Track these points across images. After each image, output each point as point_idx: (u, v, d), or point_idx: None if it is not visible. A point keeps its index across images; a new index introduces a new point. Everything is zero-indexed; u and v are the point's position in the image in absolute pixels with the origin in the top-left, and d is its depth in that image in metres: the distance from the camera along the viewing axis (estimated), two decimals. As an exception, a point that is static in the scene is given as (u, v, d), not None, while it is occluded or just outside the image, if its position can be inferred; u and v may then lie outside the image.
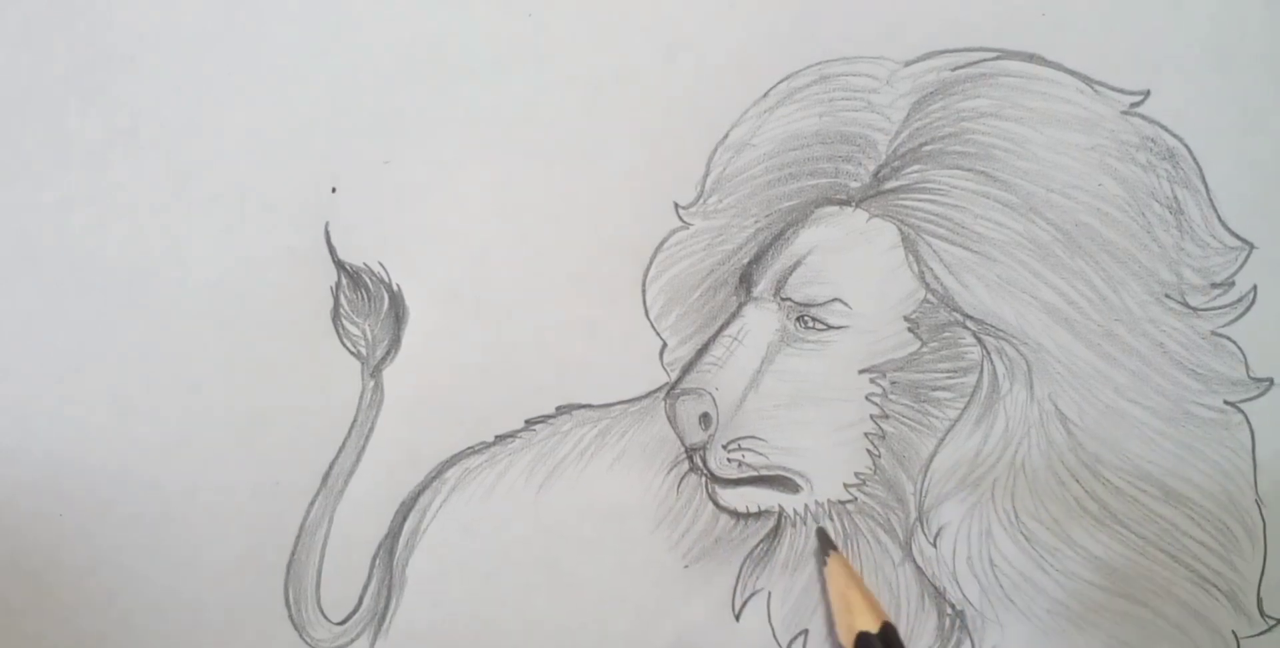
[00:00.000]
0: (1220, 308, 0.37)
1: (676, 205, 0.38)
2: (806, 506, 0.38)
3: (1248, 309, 0.37)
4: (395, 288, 0.39)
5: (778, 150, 0.38)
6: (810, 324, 0.38)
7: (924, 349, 0.37)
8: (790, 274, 0.38)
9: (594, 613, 0.38)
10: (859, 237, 0.38)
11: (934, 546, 0.37)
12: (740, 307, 0.38)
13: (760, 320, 0.38)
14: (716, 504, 0.38)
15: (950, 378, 0.37)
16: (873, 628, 0.34)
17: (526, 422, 0.39)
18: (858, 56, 0.38)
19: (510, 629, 0.38)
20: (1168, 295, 0.37)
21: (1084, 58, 0.37)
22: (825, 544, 0.37)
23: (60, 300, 0.39)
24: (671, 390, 0.38)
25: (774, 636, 0.38)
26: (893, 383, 0.37)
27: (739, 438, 0.38)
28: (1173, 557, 0.37)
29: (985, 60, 0.38)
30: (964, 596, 0.37)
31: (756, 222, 0.38)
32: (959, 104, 0.37)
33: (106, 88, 0.39)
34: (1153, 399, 0.37)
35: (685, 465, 0.38)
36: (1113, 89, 0.37)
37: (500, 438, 0.39)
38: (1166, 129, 0.37)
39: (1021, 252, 0.37)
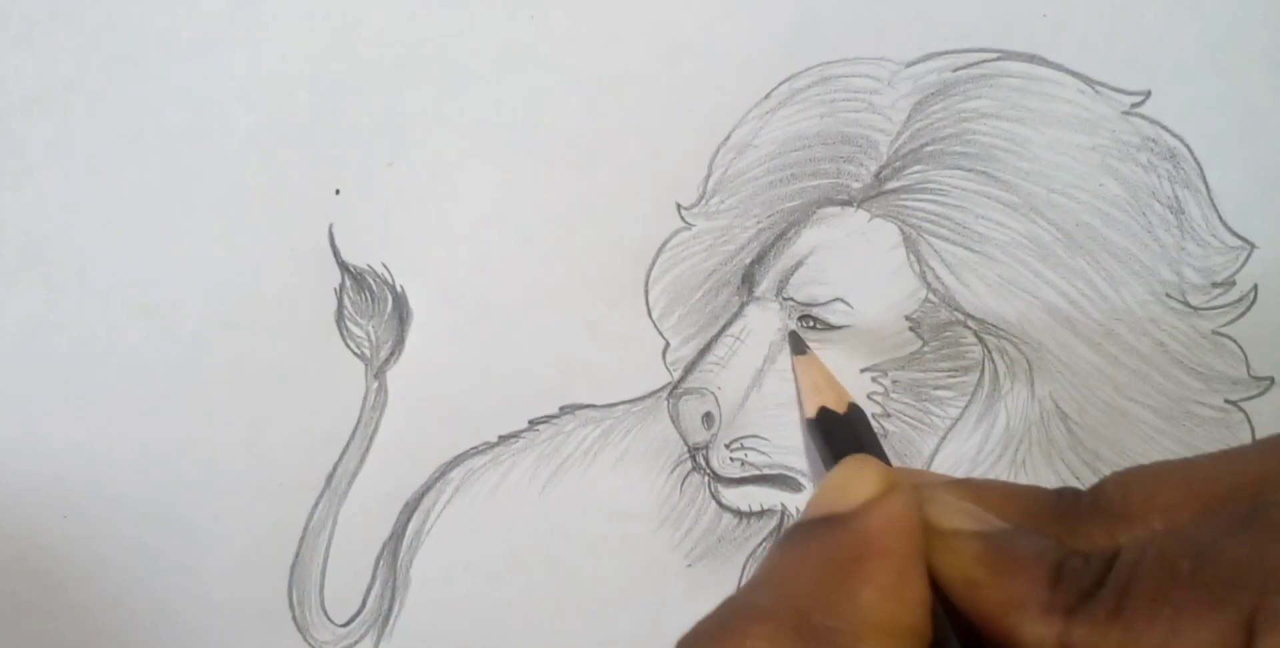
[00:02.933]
0: (1221, 307, 0.37)
1: (679, 206, 0.38)
2: (809, 504, 0.38)
3: (1248, 308, 0.37)
4: (399, 289, 0.39)
5: (779, 151, 0.38)
6: (812, 324, 0.38)
7: (925, 348, 0.37)
8: (792, 274, 0.38)
9: (597, 613, 0.38)
10: (860, 237, 0.38)
11: (936, 544, 0.38)
12: (742, 307, 0.38)
13: (762, 320, 0.38)
14: (719, 504, 0.38)
15: (951, 377, 0.37)
16: (839, 409, 0.34)
17: (530, 422, 0.39)
18: (859, 58, 0.38)
19: (514, 629, 0.39)
20: (1168, 295, 0.37)
21: (1085, 58, 0.37)
22: (799, 345, 0.37)
23: (65, 302, 0.39)
24: (674, 390, 0.38)
25: (777, 635, 0.38)
26: (894, 382, 0.38)
27: (741, 437, 0.38)
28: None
29: (986, 61, 0.38)
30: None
31: (759, 222, 0.38)
32: (960, 105, 0.38)
33: (111, 91, 0.39)
34: (1154, 398, 0.37)
35: (688, 465, 0.38)
36: (1114, 89, 0.37)
37: (504, 438, 0.39)
38: (1167, 129, 0.37)
39: (1023, 251, 0.37)
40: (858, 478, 0.26)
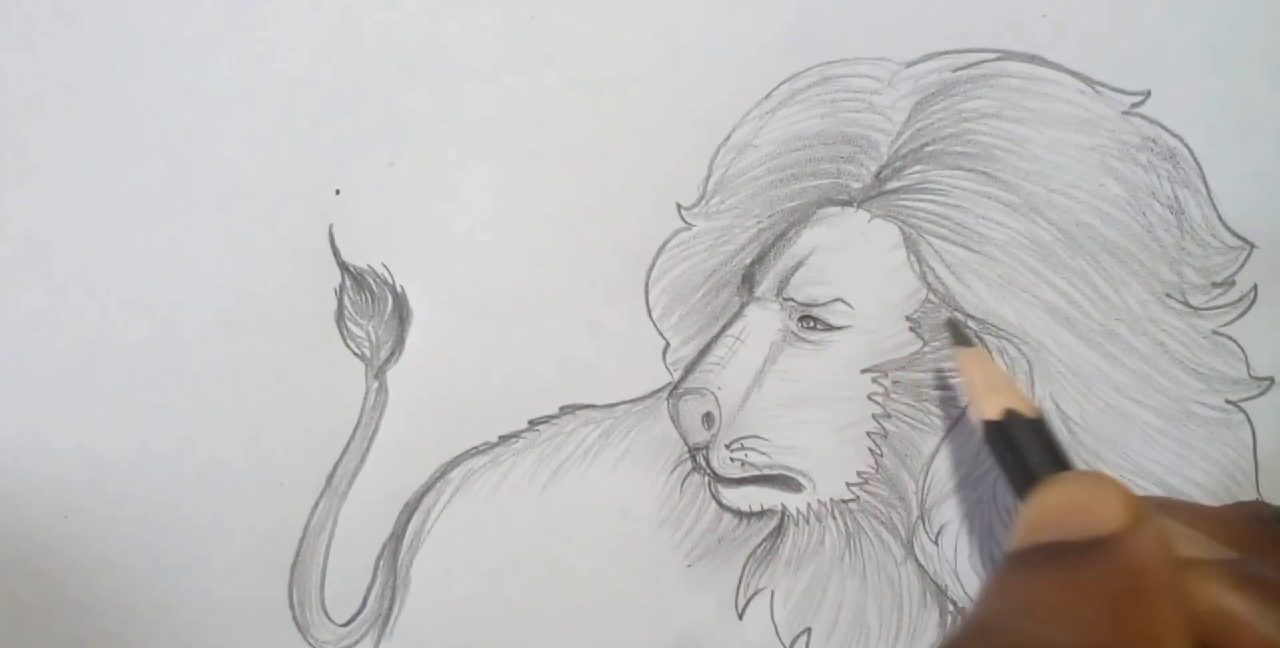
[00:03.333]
0: (1221, 307, 0.37)
1: (679, 206, 0.38)
2: (809, 504, 0.38)
3: (1248, 308, 0.37)
4: (399, 289, 0.39)
5: (780, 151, 0.38)
6: (812, 324, 0.38)
7: (926, 349, 0.37)
8: (792, 274, 0.38)
9: (597, 612, 0.38)
10: (861, 237, 0.38)
11: (936, 544, 0.38)
12: (743, 307, 0.38)
13: (763, 320, 0.38)
14: (719, 504, 0.38)
15: (951, 377, 0.37)
16: (1029, 414, 0.31)
17: (530, 422, 0.39)
18: (859, 58, 0.38)
19: (514, 629, 0.39)
20: (1169, 295, 0.37)
21: (1085, 58, 0.37)
22: (962, 337, 0.35)
23: (66, 302, 0.39)
24: (674, 390, 0.38)
25: (777, 635, 0.38)
26: (894, 382, 0.38)
27: (741, 437, 0.38)
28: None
29: (986, 61, 0.38)
30: (965, 593, 0.37)
31: (759, 222, 0.38)
32: (960, 105, 0.38)
33: (111, 91, 0.39)
34: (1154, 398, 0.37)
35: (688, 465, 0.38)
36: (1113, 89, 0.37)
37: (504, 438, 0.39)
38: (1167, 129, 0.37)
39: (1023, 251, 0.37)
40: (1104, 500, 0.25)
